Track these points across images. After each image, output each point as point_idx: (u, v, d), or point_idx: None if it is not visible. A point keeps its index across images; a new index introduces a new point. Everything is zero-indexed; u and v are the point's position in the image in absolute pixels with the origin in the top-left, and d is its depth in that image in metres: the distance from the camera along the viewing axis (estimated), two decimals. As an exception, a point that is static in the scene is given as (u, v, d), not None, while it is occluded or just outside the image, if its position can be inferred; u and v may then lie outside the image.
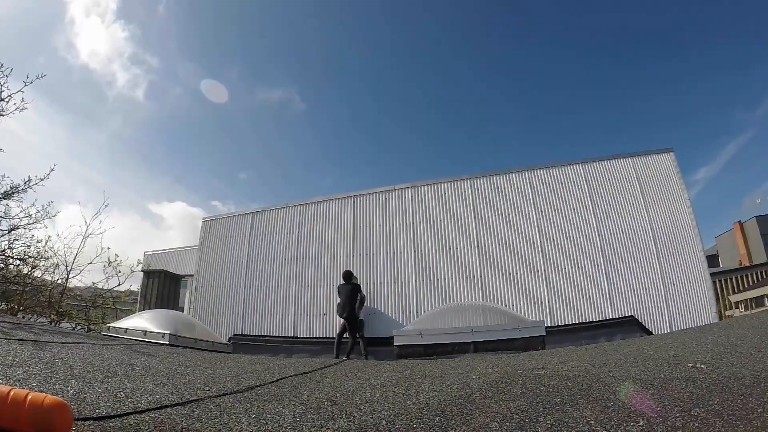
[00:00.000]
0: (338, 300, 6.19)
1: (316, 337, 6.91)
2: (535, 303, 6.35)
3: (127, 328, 5.36)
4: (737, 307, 15.98)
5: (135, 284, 10.77)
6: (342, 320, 6.38)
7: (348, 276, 6.28)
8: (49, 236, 7.02)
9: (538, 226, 6.71)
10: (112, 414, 1.46)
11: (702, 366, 2.12)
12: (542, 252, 6.57)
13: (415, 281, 6.83)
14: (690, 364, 2.18)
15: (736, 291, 16.56)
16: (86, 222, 7.59)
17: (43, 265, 7.10)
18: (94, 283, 7.66)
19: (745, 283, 16.74)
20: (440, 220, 7.09)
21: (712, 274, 7.14)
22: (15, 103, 5.66)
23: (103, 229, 7.60)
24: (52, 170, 6.10)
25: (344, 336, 6.29)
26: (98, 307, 7.85)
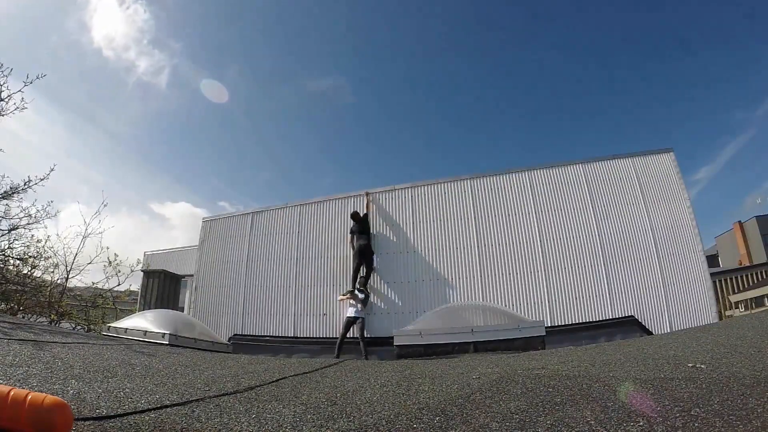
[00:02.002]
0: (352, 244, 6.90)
1: (316, 337, 6.90)
2: (535, 303, 6.35)
3: (127, 328, 5.36)
4: (737, 307, 15.98)
5: (135, 284, 10.79)
6: (345, 320, 6.37)
7: (355, 216, 6.89)
8: (49, 236, 7.03)
9: (538, 226, 6.70)
10: (112, 414, 1.46)
11: (702, 366, 2.12)
12: (542, 252, 6.56)
13: (416, 281, 6.83)
14: (690, 364, 2.18)
15: (736, 291, 16.56)
16: (86, 222, 7.60)
17: (43, 265, 7.11)
18: (94, 283, 7.68)
19: (745, 283, 16.74)
20: (440, 220, 7.08)
21: (712, 274, 7.13)
22: (15, 103, 5.67)
23: (102, 228, 7.62)
24: (52, 170, 6.11)
25: (347, 336, 6.28)
26: (98, 307, 7.86)
